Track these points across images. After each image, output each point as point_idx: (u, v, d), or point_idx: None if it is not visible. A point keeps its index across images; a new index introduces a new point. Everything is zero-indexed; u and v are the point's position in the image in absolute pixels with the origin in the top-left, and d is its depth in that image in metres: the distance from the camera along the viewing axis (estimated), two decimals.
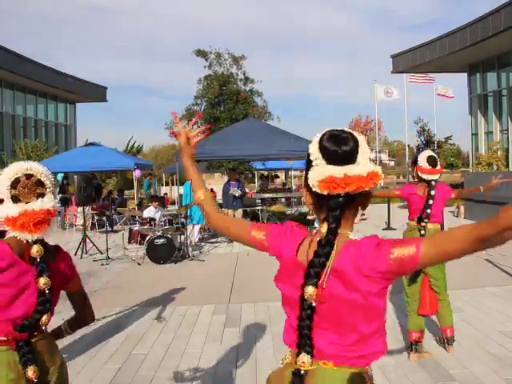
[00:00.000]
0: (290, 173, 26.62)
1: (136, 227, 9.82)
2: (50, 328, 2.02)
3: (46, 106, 30.16)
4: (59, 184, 15.43)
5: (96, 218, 13.73)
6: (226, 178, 15.72)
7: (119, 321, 5.43)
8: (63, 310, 2.16)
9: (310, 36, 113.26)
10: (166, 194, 24.92)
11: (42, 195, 1.85)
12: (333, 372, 1.38)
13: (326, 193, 1.34)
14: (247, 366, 4.06)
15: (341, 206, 1.36)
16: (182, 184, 14.39)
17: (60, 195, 15.10)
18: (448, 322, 4.15)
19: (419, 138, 30.37)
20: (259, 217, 12.57)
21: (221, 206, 12.56)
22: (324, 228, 1.37)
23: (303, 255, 1.41)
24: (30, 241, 1.80)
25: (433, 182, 4.06)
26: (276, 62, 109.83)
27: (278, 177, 27.28)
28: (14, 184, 1.82)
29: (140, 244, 9.39)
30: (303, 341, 1.36)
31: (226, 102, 19.01)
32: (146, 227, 9.29)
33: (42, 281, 1.79)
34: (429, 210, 4.01)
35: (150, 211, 10.03)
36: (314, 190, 1.36)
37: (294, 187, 22.76)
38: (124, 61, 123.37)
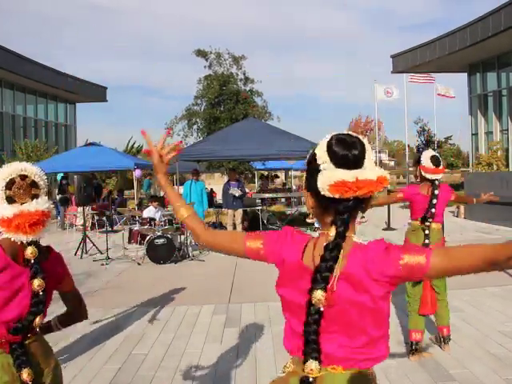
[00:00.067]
0: (290, 173, 26.61)
1: (136, 227, 9.81)
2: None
3: (45, 105, 30.14)
4: (58, 184, 15.43)
5: (96, 217, 13.72)
6: (225, 178, 15.72)
7: (119, 321, 5.42)
8: (56, 310, 2.15)
9: (309, 36, 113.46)
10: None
11: (36, 196, 1.84)
12: (342, 376, 1.38)
13: (337, 196, 1.33)
14: (247, 366, 4.06)
15: (350, 209, 1.36)
16: (181, 184, 14.38)
17: (59, 196, 15.11)
18: (445, 322, 4.16)
19: (419, 137, 30.36)
20: (259, 217, 12.56)
21: (221, 206, 12.57)
22: (332, 231, 1.36)
23: (308, 259, 1.39)
24: (24, 242, 1.78)
25: (436, 182, 4.08)
26: (276, 61, 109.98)
27: (278, 177, 27.28)
28: (9, 185, 1.80)
29: (140, 244, 9.39)
30: (310, 347, 1.34)
31: (226, 102, 19.03)
32: (146, 227, 9.29)
33: (36, 282, 1.78)
34: (433, 210, 4.02)
35: (150, 211, 10.02)
36: (322, 193, 1.35)
37: (294, 187, 22.75)
38: (124, 61, 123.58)
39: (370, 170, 1.35)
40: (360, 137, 1.41)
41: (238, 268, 8.05)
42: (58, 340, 4.73)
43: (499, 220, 12.26)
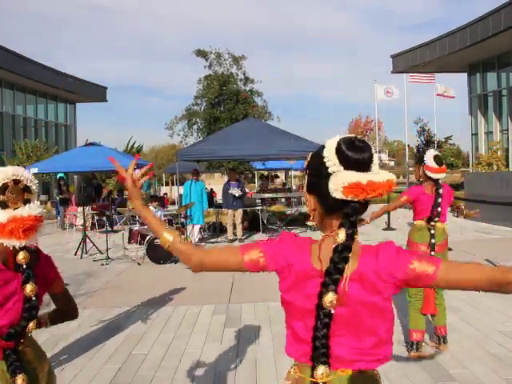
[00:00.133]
0: (290, 173, 26.64)
1: (136, 227, 9.82)
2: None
3: (46, 105, 30.16)
4: (57, 184, 15.45)
5: (96, 217, 13.73)
6: (225, 178, 15.72)
7: (119, 321, 5.42)
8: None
9: (309, 36, 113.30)
10: (165, 193, 24.94)
11: (28, 201, 1.82)
12: (351, 378, 1.38)
13: (349, 198, 1.34)
14: (247, 366, 4.06)
15: (358, 211, 1.37)
16: (181, 184, 14.39)
17: (59, 196, 15.14)
18: (442, 322, 4.18)
19: (419, 138, 30.42)
20: (259, 217, 12.57)
21: (221, 206, 12.58)
22: (341, 234, 1.35)
23: (316, 262, 1.39)
24: (16, 247, 1.76)
25: (440, 181, 4.10)
26: (276, 61, 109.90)
27: (278, 177, 27.28)
28: (2, 190, 1.78)
29: (140, 244, 9.39)
30: (319, 351, 1.33)
31: (226, 102, 19.02)
32: (146, 227, 9.28)
33: (29, 287, 1.76)
34: (439, 209, 4.04)
35: None
36: (334, 195, 1.34)
37: (293, 187, 22.76)
38: (124, 61, 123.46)
39: (378, 173, 1.37)
40: (366, 140, 1.43)
41: None
42: (58, 340, 4.74)
43: (499, 220, 12.26)
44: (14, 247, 1.76)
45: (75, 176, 10.66)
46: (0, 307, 1.75)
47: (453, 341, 4.29)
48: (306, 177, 1.45)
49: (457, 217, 14.46)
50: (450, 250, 4.31)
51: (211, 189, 17.97)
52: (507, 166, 20.97)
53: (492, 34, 19.77)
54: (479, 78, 24.94)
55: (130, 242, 10.56)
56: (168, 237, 1.58)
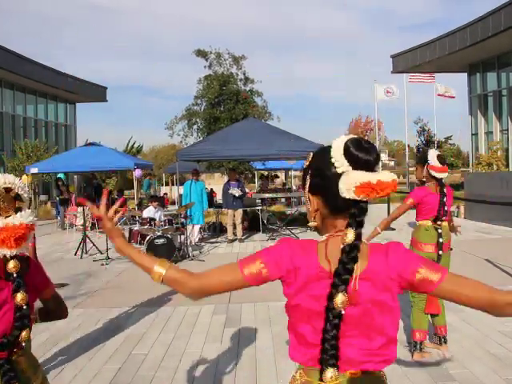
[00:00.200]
0: (289, 173, 26.64)
1: (136, 227, 9.82)
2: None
3: (45, 105, 30.15)
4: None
5: (96, 217, 13.73)
6: (225, 178, 15.73)
7: (119, 321, 5.42)
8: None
9: (309, 36, 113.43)
10: (165, 193, 24.93)
11: (20, 209, 1.80)
12: (360, 380, 1.37)
13: (360, 198, 1.34)
14: (247, 366, 4.06)
15: (365, 211, 1.38)
16: (181, 184, 14.39)
17: (58, 197, 15.14)
18: (442, 321, 4.18)
19: (419, 138, 30.44)
20: (259, 217, 12.57)
21: (221, 206, 12.58)
22: (350, 234, 1.35)
23: (325, 263, 1.38)
24: (7, 256, 1.74)
25: (443, 180, 4.14)
26: (276, 61, 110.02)
27: (278, 177, 27.29)
28: None
29: (140, 244, 9.39)
30: (329, 354, 1.32)
31: (226, 102, 19.03)
32: (146, 227, 9.29)
33: (20, 296, 1.75)
34: (446, 208, 4.07)
35: (150, 211, 10.02)
36: (344, 195, 1.34)
37: (294, 187, 22.75)
38: (124, 61, 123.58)
39: (383, 173, 1.38)
40: (371, 141, 1.45)
41: None
42: (57, 340, 4.74)
43: (499, 220, 12.26)
44: (4, 256, 1.73)
45: (75, 176, 10.68)
46: None
47: (453, 341, 4.29)
48: (308, 177, 1.43)
49: (457, 217, 14.47)
50: (450, 249, 4.32)
51: (211, 189, 17.96)
52: (507, 166, 20.97)
53: (492, 34, 19.78)
54: (479, 78, 24.94)
55: (129, 241, 10.56)
56: (160, 270, 1.49)
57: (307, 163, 1.45)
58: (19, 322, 1.76)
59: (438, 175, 4.08)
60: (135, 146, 38.60)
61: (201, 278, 1.47)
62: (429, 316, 4.23)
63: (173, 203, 21.72)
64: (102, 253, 9.47)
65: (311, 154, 1.47)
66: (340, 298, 1.31)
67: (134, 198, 18.27)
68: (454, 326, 4.68)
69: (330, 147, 1.42)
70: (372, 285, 1.36)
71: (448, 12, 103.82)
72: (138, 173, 14.92)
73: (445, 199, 4.07)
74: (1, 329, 1.74)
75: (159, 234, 8.82)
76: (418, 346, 4.05)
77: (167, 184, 30.73)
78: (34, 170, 15.12)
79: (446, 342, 4.20)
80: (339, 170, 1.36)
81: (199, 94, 19.53)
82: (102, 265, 8.73)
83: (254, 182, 27.22)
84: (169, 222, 9.39)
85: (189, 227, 10.11)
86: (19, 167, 20.25)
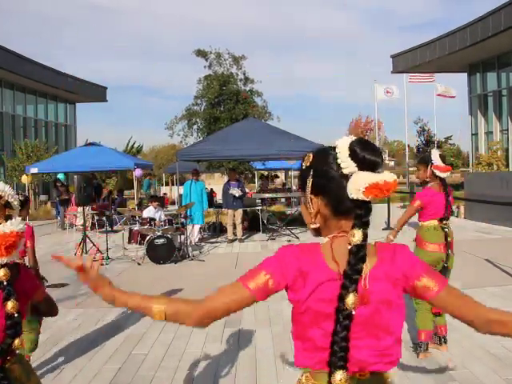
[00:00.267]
0: (289, 173, 26.61)
1: (136, 227, 9.82)
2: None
3: (45, 105, 30.17)
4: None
5: (96, 217, 13.73)
6: (225, 178, 15.72)
7: (119, 321, 5.42)
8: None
9: (309, 36, 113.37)
10: (165, 193, 24.94)
11: (10, 217, 1.80)
12: (368, 381, 1.37)
13: (369, 198, 1.34)
14: (247, 366, 4.06)
15: (371, 211, 1.39)
16: (181, 184, 14.39)
17: (58, 198, 15.15)
18: (443, 321, 4.18)
19: (419, 138, 30.43)
20: (259, 217, 12.56)
21: (221, 206, 12.58)
22: (358, 234, 1.35)
23: (332, 265, 1.37)
24: None
25: (445, 180, 4.19)
26: (276, 61, 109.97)
27: (278, 177, 27.28)
28: None
29: (140, 244, 9.39)
30: (338, 355, 1.30)
31: (226, 102, 19.02)
32: (146, 227, 9.29)
33: (10, 305, 1.74)
34: (451, 207, 4.14)
35: (150, 211, 10.03)
36: (352, 196, 1.34)
37: (293, 187, 22.75)
38: (124, 61, 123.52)
39: (386, 174, 1.38)
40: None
41: (237, 268, 8.05)
42: (57, 340, 4.74)
43: (499, 220, 12.26)
44: None
45: (75, 176, 10.67)
46: None
47: (453, 341, 4.29)
48: (310, 178, 1.41)
49: (457, 217, 14.48)
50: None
51: (211, 189, 17.97)
52: (507, 166, 20.97)
53: (492, 34, 19.78)
54: (479, 78, 24.95)
55: (129, 241, 10.58)
56: (160, 306, 1.42)
57: (308, 164, 1.43)
58: (11, 330, 1.75)
59: (443, 174, 4.12)
60: (135, 146, 38.62)
61: (205, 303, 1.43)
62: (433, 316, 4.23)
63: (173, 203, 21.72)
64: (102, 253, 9.46)
65: (310, 154, 1.44)
66: (351, 299, 1.30)
67: (134, 198, 18.28)
68: (454, 326, 4.67)
69: (330, 148, 1.41)
70: (381, 282, 1.36)
71: (448, 12, 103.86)
72: (138, 172, 14.93)
73: (450, 198, 4.13)
74: None
75: (159, 233, 8.82)
76: (424, 347, 4.05)
77: (167, 184, 30.74)
78: (34, 170, 15.14)
79: (445, 342, 4.20)
80: (346, 171, 1.35)
81: (199, 93, 19.52)
82: (102, 265, 8.72)
83: (254, 182, 27.22)
84: (169, 221, 9.39)
85: (189, 227, 10.11)
86: (19, 167, 20.28)
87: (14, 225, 1.76)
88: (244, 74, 19.82)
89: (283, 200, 19.75)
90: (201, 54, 19.58)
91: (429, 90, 35.30)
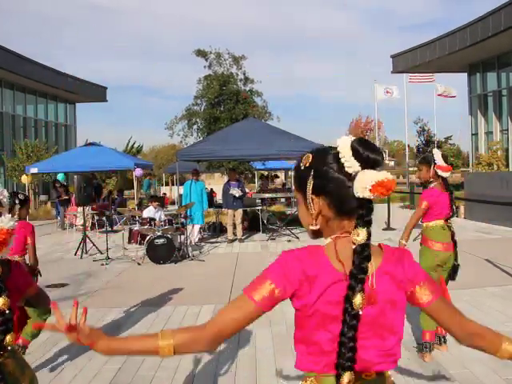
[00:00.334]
0: (289, 173, 26.60)
1: (136, 227, 9.82)
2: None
3: (46, 105, 30.16)
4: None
5: (96, 217, 13.73)
6: (225, 178, 15.72)
7: (119, 321, 5.42)
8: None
9: (309, 36, 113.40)
10: (164, 193, 24.94)
11: None
12: (374, 382, 1.37)
13: (374, 196, 1.34)
14: (247, 365, 4.06)
15: (372, 210, 1.38)
16: (181, 184, 14.39)
17: (58, 198, 15.14)
18: None
19: (419, 138, 30.42)
20: (259, 217, 12.57)
21: (221, 206, 12.58)
22: (362, 233, 1.34)
23: (338, 265, 1.36)
24: None
25: (447, 179, 4.24)
26: (276, 61, 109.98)
27: (278, 177, 27.28)
28: None
29: (140, 244, 9.40)
30: (346, 357, 1.29)
31: (226, 102, 19.01)
32: (146, 227, 9.29)
33: (1, 301, 1.74)
34: (454, 206, 4.19)
35: (150, 211, 10.03)
36: (358, 194, 1.33)
37: (293, 187, 22.74)
38: (124, 61, 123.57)
39: (386, 172, 1.38)
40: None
41: (237, 268, 8.06)
42: (57, 340, 4.74)
43: (499, 220, 12.26)
44: None
45: (75, 176, 10.67)
46: None
47: (453, 341, 4.26)
48: (311, 179, 1.39)
49: (457, 216, 14.47)
50: None
51: (211, 189, 17.97)
52: (507, 166, 20.97)
53: (492, 34, 19.78)
54: (479, 78, 24.94)
55: (129, 242, 10.58)
56: (166, 341, 1.35)
57: (307, 164, 1.41)
58: (3, 327, 1.75)
59: (445, 174, 4.17)
60: (135, 146, 38.63)
61: (213, 325, 1.39)
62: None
63: (173, 203, 21.73)
64: (101, 253, 9.47)
65: (309, 155, 1.42)
66: (358, 299, 1.29)
67: (134, 198, 18.28)
68: None
69: (330, 148, 1.40)
70: (387, 282, 1.36)
71: (448, 12, 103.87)
72: (138, 172, 14.93)
73: (453, 197, 4.18)
74: None
75: (159, 233, 8.83)
76: (429, 347, 4.05)
77: (167, 184, 30.75)
78: (34, 170, 15.14)
79: (445, 342, 4.20)
80: (350, 171, 1.34)
81: (199, 94, 19.51)
82: (102, 265, 8.73)
83: (254, 182, 27.23)
84: (169, 221, 9.39)
85: (189, 227, 10.11)
86: (19, 167, 20.28)
87: (4, 222, 1.75)
88: (244, 74, 19.82)
89: (283, 200, 19.75)
90: (201, 54, 19.58)
91: (429, 90, 35.33)
